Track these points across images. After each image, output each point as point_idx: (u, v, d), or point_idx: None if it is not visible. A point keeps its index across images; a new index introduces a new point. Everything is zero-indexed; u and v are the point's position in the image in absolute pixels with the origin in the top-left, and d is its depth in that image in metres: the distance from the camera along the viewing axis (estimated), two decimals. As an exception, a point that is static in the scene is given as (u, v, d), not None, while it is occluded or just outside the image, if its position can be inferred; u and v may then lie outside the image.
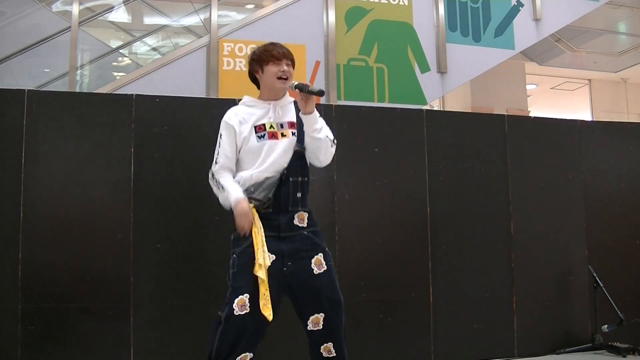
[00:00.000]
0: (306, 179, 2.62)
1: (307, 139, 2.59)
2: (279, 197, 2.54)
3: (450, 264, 3.77)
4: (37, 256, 3.17)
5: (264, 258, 2.44)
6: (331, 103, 5.55)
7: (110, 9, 7.00)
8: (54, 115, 3.30)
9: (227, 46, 5.76)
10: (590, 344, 3.88)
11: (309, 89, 2.49)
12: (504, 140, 4.01)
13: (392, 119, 3.83)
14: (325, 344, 2.54)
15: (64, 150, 3.29)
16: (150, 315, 3.25)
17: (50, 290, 3.16)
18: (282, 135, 2.59)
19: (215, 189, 2.67)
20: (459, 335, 3.72)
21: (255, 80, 2.74)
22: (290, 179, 2.55)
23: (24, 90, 3.30)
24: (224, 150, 2.63)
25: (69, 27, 5.76)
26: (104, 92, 5.14)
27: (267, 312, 2.41)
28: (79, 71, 6.25)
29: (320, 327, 2.52)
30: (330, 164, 3.39)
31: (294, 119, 2.63)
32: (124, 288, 3.22)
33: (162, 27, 7.47)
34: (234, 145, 2.62)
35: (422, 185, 3.78)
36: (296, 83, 2.54)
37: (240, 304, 2.43)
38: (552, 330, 3.92)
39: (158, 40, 7.51)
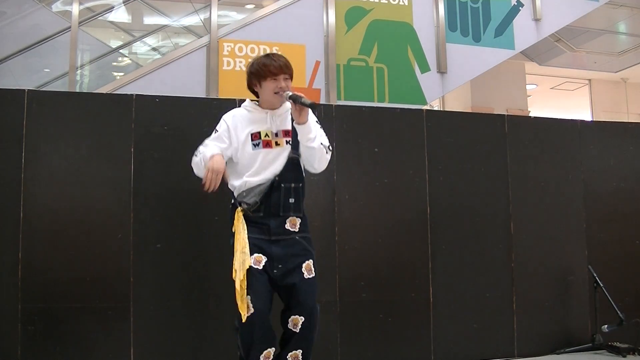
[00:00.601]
0: (300, 184, 2.68)
1: (301, 148, 2.64)
2: (270, 202, 2.61)
3: (450, 264, 3.77)
4: (37, 256, 3.16)
5: (242, 261, 2.53)
6: (331, 103, 5.55)
7: (110, 9, 7.00)
8: (54, 115, 3.30)
9: (227, 46, 5.76)
10: (590, 344, 3.88)
11: (302, 100, 2.54)
12: (504, 140, 4.01)
13: (392, 119, 3.83)
14: (294, 351, 2.61)
15: (64, 150, 3.28)
16: (150, 315, 3.25)
17: (50, 290, 3.16)
18: (276, 144, 2.66)
19: (193, 160, 2.73)
20: (459, 335, 3.72)
21: (253, 91, 2.79)
22: (283, 185, 2.62)
23: (24, 90, 3.30)
24: (214, 138, 2.71)
25: (69, 27, 5.76)
26: (104, 92, 5.14)
27: (243, 310, 2.50)
28: (79, 71, 6.26)
29: (298, 330, 2.60)
30: (330, 164, 3.41)
31: (290, 127, 2.68)
32: (124, 288, 3.22)
33: (162, 27, 7.47)
34: (225, 139, 2.68)
35: (422, 185, 3.78)
36: (290, 94, 2.59)
37: (248, 306, 2.52)
38: (552, 330, 3.92)
39: (158, 40, 7.51)
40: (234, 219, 2.65)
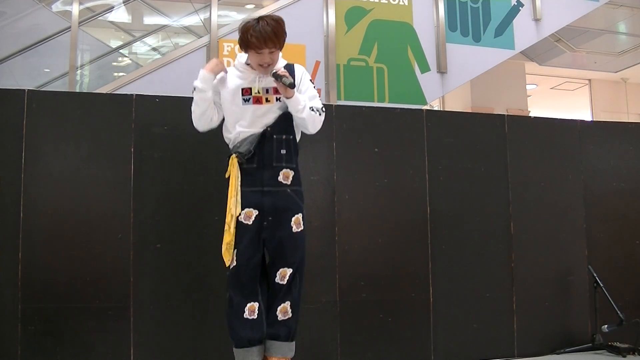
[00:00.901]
0: (291, 137, 2.76)
1: (294, 116, 2.73)
2: (263, 152, 2.69)
3: (450, 264, 3.76)
4: (37, 256, 3.16)
5: (235, 207, 2.64)
6: (331, 103, 5.55)
7: (110, 9, 7.00)
8: (54, 115, 3.30)
9: (227, 46, 5.76)
10: (590, 344, 3.88)
11: (282, 80, 2.61)
12: (504, 140, 4.01)
13: (392, 119, 3.83)
14: (284, 303, 2.70)
15: (64, 150, 3.28)
16: (150, 315, 3.25)
17: (50, 290, 3.16)
18: (267, 100, 2.73)
19: (193, 112, 2.82)
20: (459, 335, 3.72)
21: None
22: (275, 136, 2.71)
23: (24, 90, 3.30)
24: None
25: (69, 27, 5.77)
26: (104, 92, 5.14)
27: (226, 257, 2.67)
28: (79, 71, 6.26)
29: (285, 282, 2.69)
30: (330, 164, 3.42)
31: None
32: (124, 288, 3.22)
33: (162, 27, 7.47)
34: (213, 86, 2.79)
35: (422, 185, 3.78)
36: (273, 72, 2.67)
37: (232, 258, 2.68)
38: (552, 330, 3.92)
39: (158, 40, 7.51)
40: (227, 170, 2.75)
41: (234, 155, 2.71)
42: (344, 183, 3.63)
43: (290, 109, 2.70)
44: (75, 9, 5.75)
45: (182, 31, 7.38)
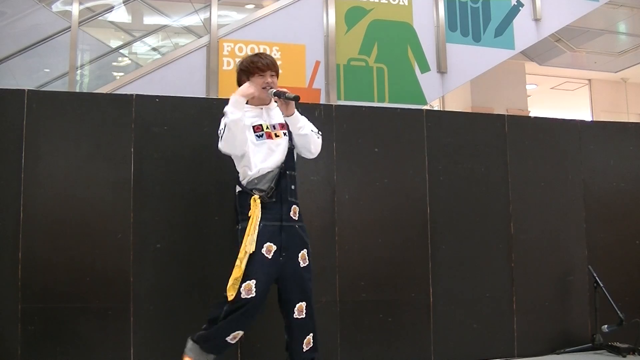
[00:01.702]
0: (295, 173, 2.91)
1: (295, 137, 2.87)
2: (280, 188, 2.81)
3: (450, 264, 3.76)
4: (37, 256, 3.16)
5: (250, 243, 2.71)
6: (331, 103, 5.55)
7: (110, 9, 7.00)
8: (54, 115, 3.30)
9: (227, 46, 5.76)
10: (590, 344, 3.88)
11: (286, 95, 2.78)
12: (504, 140, 4.01)
13: (392, 119, 3.84)
14: (307, 336, 2.81)
15: (64, 150, 3.28)
16: (150, 315, 3.25)
17: (50, 290, 3.16)
18: (276, 135, 2.87)
19: (220, 145, 2.81)
20: (459, 335, 3.72)
21: None
22: (287, 172, 2.84)
23: (24, 90, 3.30)
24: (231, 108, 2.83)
25: (69, 27, 5.77)
26: (104, 92, 5.14)
27: (231, 292, 2.69)
28: (79, 71, 6.25)
29: (304, 315, 2.80)
30: (330, 164, 3.42)
31: (283, 121, 2.91)
32: (123, 288, 3.22)
33: (162, 27, 7.47)
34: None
35: (422, 185, 3.78)
36: (274, 91, 2.82)
37: (247, 289, 2.69)
38: (552, 330, 3.92)
39: (158, 40, 7.51)
40: (242, 206, 2.81)
41: (256, 196, 2.77)
42: (344, 183, 3.63)
43: (292, 128, 2.85)
44: (75, 9, 5.75)
45: (182, 31, 7.38)
